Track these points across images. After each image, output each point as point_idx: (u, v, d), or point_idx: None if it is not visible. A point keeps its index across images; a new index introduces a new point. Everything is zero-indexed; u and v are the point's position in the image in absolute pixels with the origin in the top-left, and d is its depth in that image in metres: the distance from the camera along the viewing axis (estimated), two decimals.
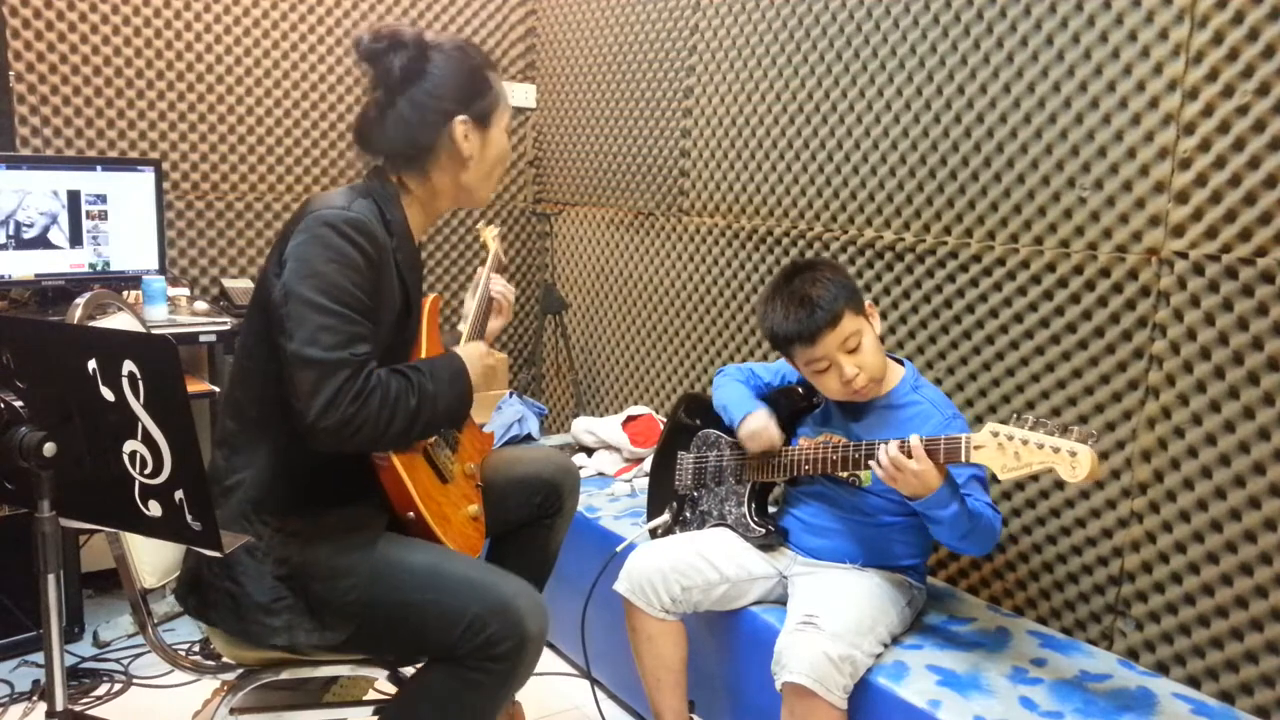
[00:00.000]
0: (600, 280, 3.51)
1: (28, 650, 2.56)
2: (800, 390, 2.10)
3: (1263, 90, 1.74)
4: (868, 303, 1.95)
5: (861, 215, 2.48)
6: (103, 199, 2.82)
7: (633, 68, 3.26)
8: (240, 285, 3.06)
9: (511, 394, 3.37)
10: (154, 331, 1.64)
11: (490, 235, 2.10)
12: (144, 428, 1.27)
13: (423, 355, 1.71)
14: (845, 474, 1.97)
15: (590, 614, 2.19)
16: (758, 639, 1.99)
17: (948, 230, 2.28)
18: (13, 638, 2.55)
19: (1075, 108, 2.00)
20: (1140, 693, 1.80)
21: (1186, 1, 1.82)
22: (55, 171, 2.75)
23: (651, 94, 3.19)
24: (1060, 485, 2.09)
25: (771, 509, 2.18)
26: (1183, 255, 1.86)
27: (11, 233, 2.69)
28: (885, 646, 1.86)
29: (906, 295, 2.37)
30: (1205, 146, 1.81)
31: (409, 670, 1.73)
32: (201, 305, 2.93)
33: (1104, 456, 1.99)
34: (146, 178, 2.88)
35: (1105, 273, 1.98)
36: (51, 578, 1.35)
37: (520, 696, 1.89)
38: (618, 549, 2.19)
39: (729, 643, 2.10)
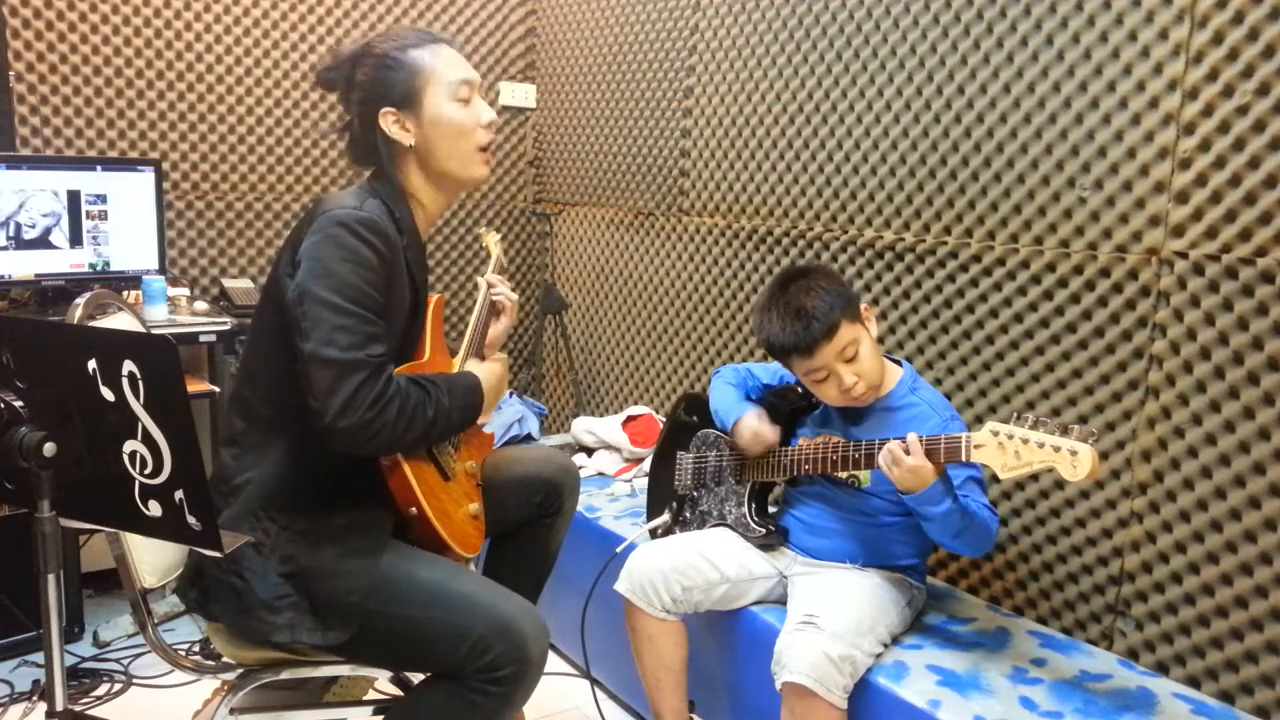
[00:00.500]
0: (600, 280, 3.51)
1: (28, 650, 2.56)
2: (799, 390, 2.10)
3: (1263, 90, 1.74)
4: (864, 306, 1.94)
5: (861, 215, 2.48)
6: (103, 199, 2.82)
7: (633, 68, 3.26)
8: (240, 285, 3.05)
9: (511, 394, 3.37)
10: (154, 331, 1.64)
11: (492, 240, 2.11)
12: (144, 428, 1.27)
13: (428, 354, 1.73)
14: (845, 475, 1.97)
15: (590, 614, 2.19)
16: (758, 639, 1.99)
17: (948, 230, 2.28)
18: (13, 638, 2.55)
19: (1075, 108, 2.00)
20: (1140, 693, 1.80)
21: (1186, 1, 1.82)
22: (55, 171, 2.75)
23: (651, 94, 3.19)
24: (1060, 485, 2.09)
25: (771, 509, 2.18)
26: (1183, 255, 1.86)
27: (12, 233, 2.69)
28: (885, 646, 1.86)
29: (906, 295, 2.37)
30: (1205, 146, 1.81)
31: (411, 671, 1.74)
32: (201, 305, 2.93)
33: (1104, 456, 1.99)
34: (146, 178, 2.88)
35: (1105, 273, 1.98)
36: (51, 578, 1.35)
37: None
38: (618, 549, 2.19)
39: (729, 643, 2.10)
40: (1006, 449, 1.62)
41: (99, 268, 2.84)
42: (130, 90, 3.06)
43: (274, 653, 1.61)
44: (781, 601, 2.04)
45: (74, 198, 2.77)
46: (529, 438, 3.18)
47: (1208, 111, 1.81)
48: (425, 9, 3.55)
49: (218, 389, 2.75)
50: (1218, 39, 1.78)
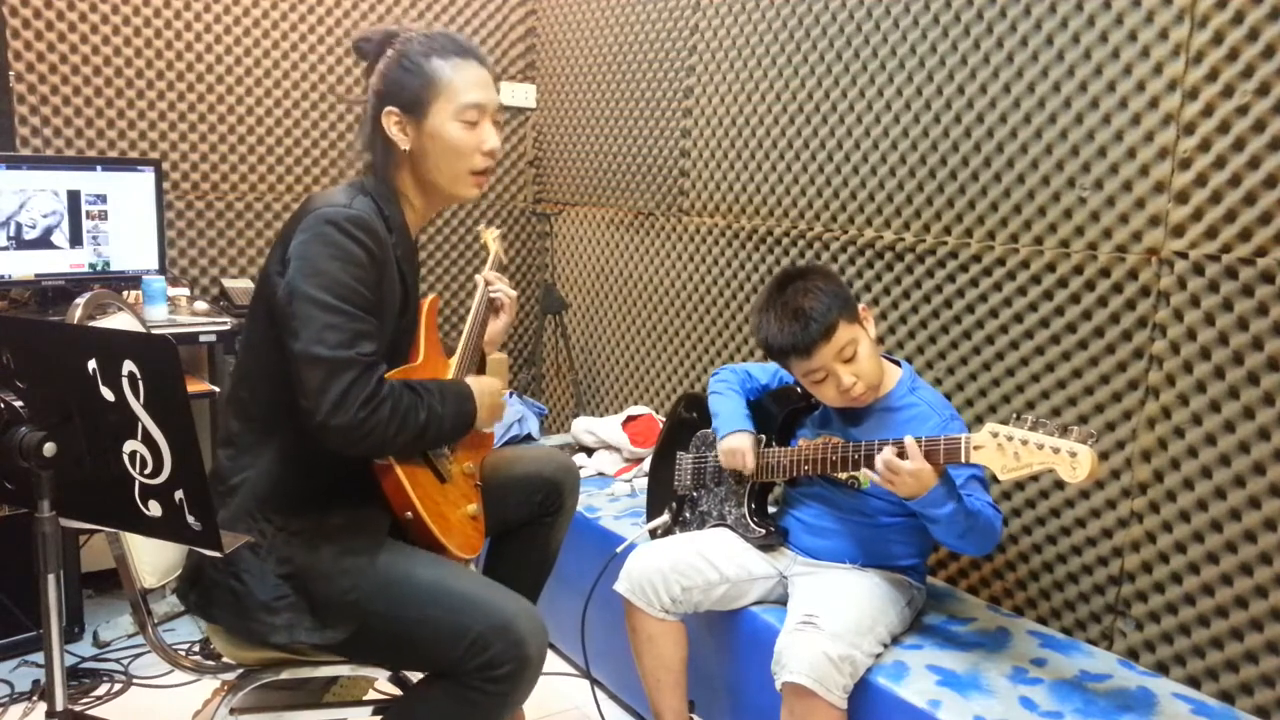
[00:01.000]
0: (600, 280, 3.51)
1: (28, 650, 2.56)
2: (798, 390, 2.10)
3: (1263, 90, 1.74)
4: (862, 306, 1.94)
5: (861, 215, 2.48)
6: (103, 199, 2.82)
7: (633, 68, 3.26)
8: (240, 285, 3.06)
9: (511, 394, 3.38)
10: (154, 331, 1.64)
11: (491, 237, 2.11)
12: (144, 428, 1.27)
13: (421, 355, 1.72)
14: (844, 475, 1.97)
15: (590, 614, 2.19)
16: (758, 639, 1.99)
17: (948, 230, 2.28)
18: (13, 638, 2.54)
19: (1075, 108, 2.00)
20: (1140, 693, 1.80)
21: (1186, 1, 1.82)
22: (55, 171, 2.75)
23: (651, 94, 3.19)
24: (1060, 485, 2.09)
25: (771, 509, 2.18)
26: (1183, 255, 1.86)
27: (13, 233, 2.69)
28: (885, 646, 1.86)
29: (906, 295, 2.37)
30: (1205, 146, 1.81)
31: (410, 671, 1.74)
32: (201, 305, 2.93)
33: (1104, 456, 1.99)
34: (146, 178, 2.88)
35: (1105, 273, 1.98)
36: (51, 578, 1.35)
37: None
38: (618, 549, 2.19)
39: (729, 643, 2.10)
40: (1006, 450, 1.62)
41: (99, 268, 2.84)
42: (130, 90, 3.06)
43: (274, 653, 1.61)
44: (781, 602, 2.04)
45: (74, 198, 2.77)
46: (529, 438, 3.18)
47: (1208, 111, 1.81)
48: (425, 9, 3.55)
49: (218, 389, 2.75)
50: (1218, 39, 1.78)
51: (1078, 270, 2.02)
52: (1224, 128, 1.79)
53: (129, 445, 1.29)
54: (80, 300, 1.70)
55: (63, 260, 2.79)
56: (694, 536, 2.10)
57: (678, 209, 3.12)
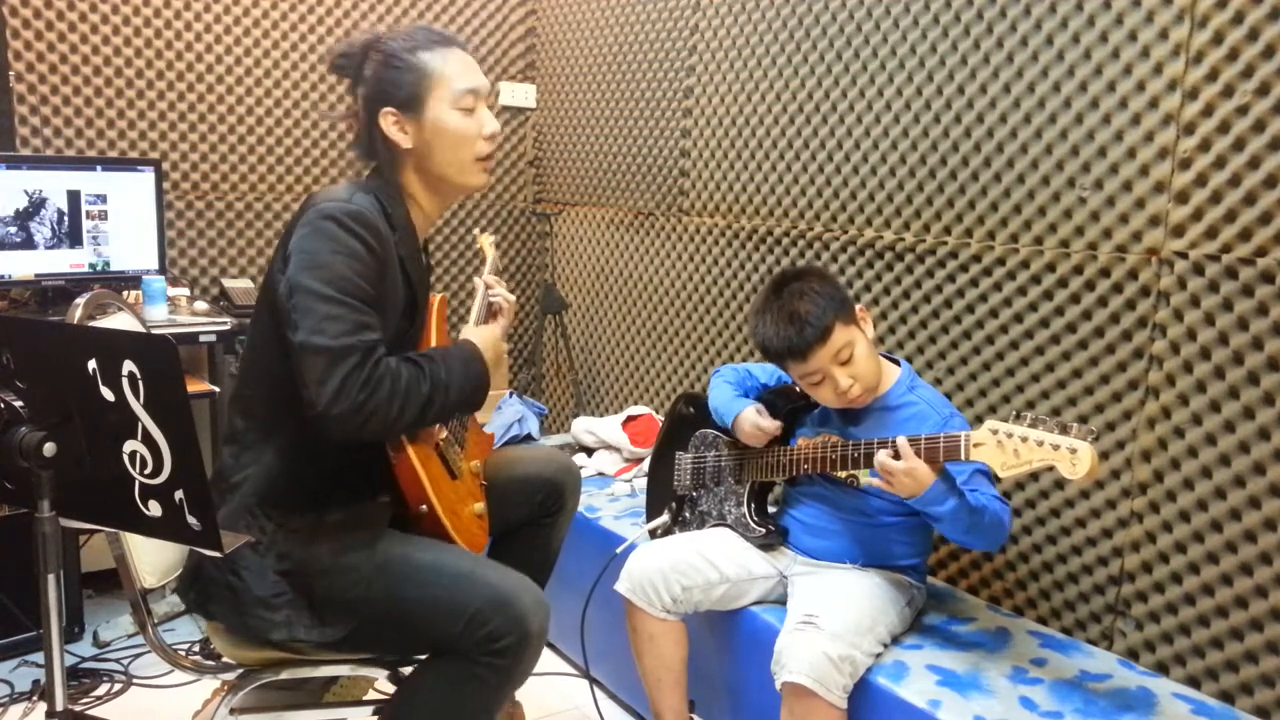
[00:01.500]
0: (600, 280, 3.51)
1: (28, 650, 2.56)
2: (797, 390, 2.10)
3: (1263, 90, 1.74)
4: (860, 307, 1.94)
5: (861, 215, 2.48)
6: (103, 199, 2.82)
7: (633, 68, 3.26)
8: (240, 285, 3.06)
9: (511, 394, 3.38)
10: (154, 331, 1.64)
11: (487, 242, 2.11)
12: (144, 428, 1.27)
13: None
14: (844, 474, 1.97)
15: (590, 614, 2.19)
16: (758, 639, 1.99)
17: (948, 230, 2.28)
18: (13, 638, 2.55)
19: (1075, 108, 2.00)
20: (1140, 693, 1.80)
21: (1186, 1, 1.82)
22: (55, 171, 2.75)
23: (651, 94, 3.19)
24: (1060, 485, 2.09)
25: (771, 509, 2.18)
26: (1183, 255, 1.86)
27: (13, 233, 2.69)
28: (885, 646, 1.86)
29: (906, 295, 2.37)
30: (1205, 146, 1.81)
31: (411, 654, 1.73)
32: (201, 305, 2.93)
33: (1104, 456, 1.99)
34: (146, 178, 2.88)
35: (1105, 273, 1.98)
36: (51, 578, 1.35)
37: (520, 696, 1.90)
38: (618, 550, 2.19)
39: (729, 643, 2.10)
40: (1006, 447, 1.62)
41: (99, 268, 2.85)
42: (130, 90, 3.06)
43: (274, 652, 1.61)
44: (781, 601, 2.04)
45: (74, 198, 2.77)
46: (529, 438, 3.18)
47: (1208, 111, 1.81)
48: (425, 9, 3.55)
49: (218, 389, 2.75)
50: (1218, 39, 1.78)
51: (1078, 270, 2.02)
52: (1224, 128, 1.79)
53: (129, 445, 1.29)
54: (80, 300, 1.70)
55: (63, 260, 2.79)
56: (694, 536, 2.10)
57: (678, 209, 3.12)
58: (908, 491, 1.73)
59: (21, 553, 1.87)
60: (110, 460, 1.30)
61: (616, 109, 3.35)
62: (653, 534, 2.24)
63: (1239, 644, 1.81)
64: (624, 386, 3.44)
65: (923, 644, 1.91)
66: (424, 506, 1.62)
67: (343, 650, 1.63)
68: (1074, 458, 1.54)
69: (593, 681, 2.34)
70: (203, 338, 2.76)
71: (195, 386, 2.70)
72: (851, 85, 2.48)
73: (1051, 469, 1.58)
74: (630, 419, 2.98)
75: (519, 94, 3.78)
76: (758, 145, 2.79)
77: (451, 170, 1.65)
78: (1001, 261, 2.16)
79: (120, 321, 1.82)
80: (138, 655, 2.60)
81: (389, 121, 1.62)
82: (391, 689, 1.81)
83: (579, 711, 2.48)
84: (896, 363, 2.02)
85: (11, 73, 2.88)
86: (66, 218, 2.77)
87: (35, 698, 2.39)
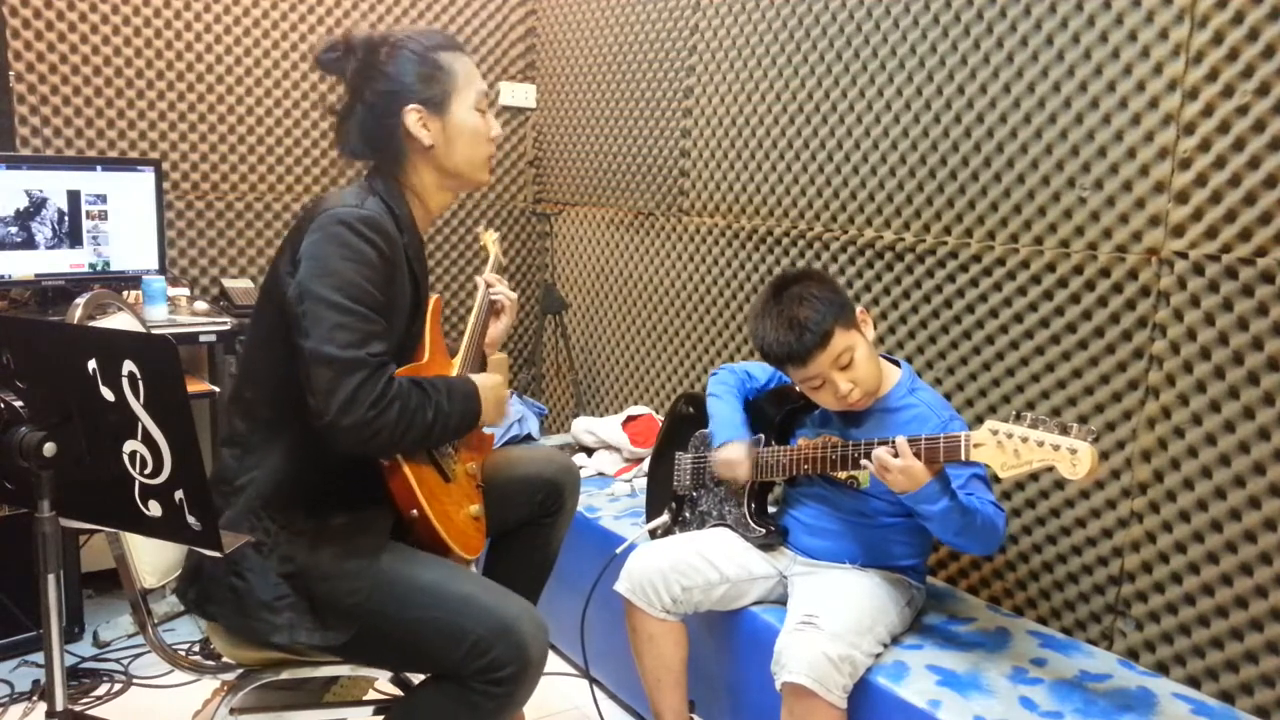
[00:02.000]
0: (600, 280, 3.51)
1: (28, 650, 2.56)
2: (797, 390, 2.10)
3: (1263, 90, 1.74)
4: (860, 310, 1.94)
5: (861, 215, 2.48)
6: (103, 199, 2.82)
7: (633, 68, 3.26)
8: (240, 285, 3.06)
9: (511, 394, 3.38)
10: (154, 331, 1.64)
11: (490, 240, 2.11)
12: (144, 428, 1.27)
13: (427, 355, 1.73)
14: (844, 475, 1.97)
15: (590, 614, 2.19)
16: (758, 639, 1.99)
17: (948, 230, 2.28)
18: (13, 638, 2.55)
19: (1075, 108, 2.00)
20: (1140, 693, 1.80)
21: (1186, 1, 1.82)
22: (55, 171, 2.75)
23: (651, 94, 3.19)
24: (1060, 485, 2.09)
25: (771, 509, 2.18)
26: (1183, 255, 1.86)
27: (14, 233, 2.69)
28: (885, 646, 1.86)
29: (906, 295, 2.37)
30: (1205, 146, 1.81)
31: (410, 672, 1.74)
32: (201, 305, 2.93)
33: (1104, 456, 1.99)
34: (146, 178, 2.88)
35: (1105, 273, 1.98)
36: (51, 578, 1.35)
37: None
38: (618, 550, 2.19)
39: (729, 643, 2.10)
40: (1006, 447, 1.62)
41: (99, 268, 2.85)
42: (130, 90, 3.06)
43: (274, 653, 1.61)
44: (781, 601, 2.04)
45: (74, 198, 2.77)
46: (529, 438, 3.18)
47: (1208, 111, 1.81)
48: (425, 9, 3.55)
49: (218, 389, 2.75)
50: (1218, 39, 1.78)
51: (1078, 270, 2.02)
52: (1224, 128, 1.79)
53: (129, 445, 1.29)
54: (80, 300, 1.70)
55: (63, 260, 2.79)
56: (694, 536, 2.10)
57: (678, 209, 3.12)
58: (901, 487, 1.73)
59: (21, 553, 1.87)
60: (110, 460, 1.30)
61: (616, 109, 3.35)
62: (653, 534, 2.24)
63: (1239, 644, 1.81)
64: (624, 386, 3.44)
65: (923, 644, 1.91)
66: (414, 512, 1.62)
67: (343, 655, 1.62)
68: (1074, 458, 1.54)
69: (593, 681, 2.34)
70: (203, 338, 2.76)
71: (195, 386, 2.70)
72: (851, 85, 2.48)
73: (1052, 469, 1.57)
74: (630, 419, 2.98)
75: (519, 94, 3.78)
76: (758, 145, 2.79)
77: (469, 167, 1.69)
78: (1001, 261, 2.16)
79: (120, 321, 1.82)
80: (138, 655, 2.60)
81: (414, 118, 1.62)
82: (392, 689, 1.82)
83: (579, 711, 2.48)
84: (897, 364, 2.02)
85: (11, 73, 2.88)
86: (66, 218, 2.77)
87: (35, 698, 2.39)
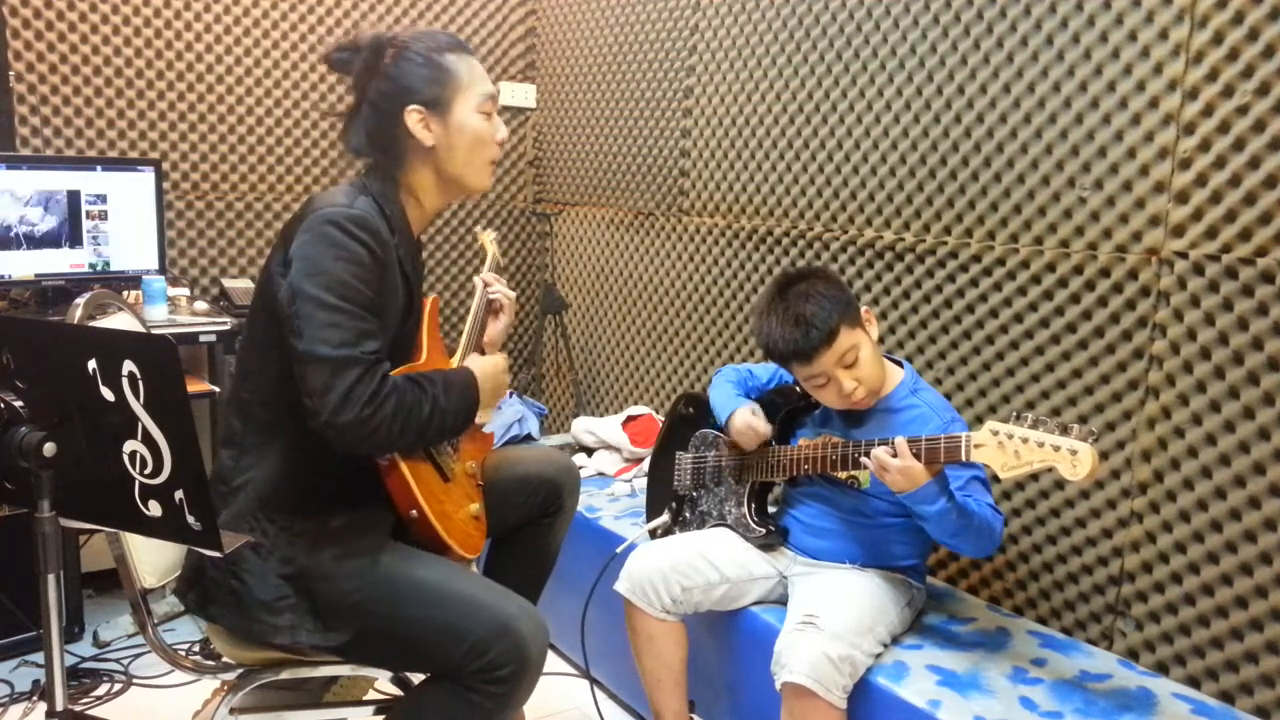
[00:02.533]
0: (600, 280, 3.51)
1: (28, 650, 2.56)
2: (798, 389, 2.10)
3: (1263, 90, 1.74)
4: (864, 308, 1.94)
5: (861, 215, 2.48)
6: (103, 199, 2.82)
7: (633, 68, 3.26)
8: (240, 285, 3.06)
9: (511, 394, 3.37)
10: (154, 331, 1.64)
11: (488, 240, 2.11)
12: (144, 428, 1.27)
13: (424, 355, 1.72)
14: (844, 475, 1.97)
15: (590, 614, 2.19)
16: (758, 639, 1.99)
17: (948, 230, 2.28)
18: (13, 638, 2.54)
19: (1075, 108, 2.00)
20: (1140, 693, 1.80)
21: (1186, 1, 1.82)
22: (55, 171, 2.75)
23: (651, 94, 3.19)
24: (1060, 485, 2.09)
25: (771, 509, 2.18)
26: (1183, 255, 1.86)
27: (16, 235, 2.70)
28: (885, 646, 1.86)
29: (906, 295, 2.37)
30: (1205, 146, 1.81)
31: (410, 672, 1.74)
32: (201, 305, 2.93)
33: (1104, 456, 1.99)
34: (146, 178, 2.88)
35: (1105, 273, 1.98)
36: (51, 578, 1.35)
37: None
38: (618, 550, 2.19)
39: (729, 643, 2.10)
40: (1006, 448, 1.62)
41: (99, 268, 2.84)
42: (130, 90, 3.06)
43: (274, 653, 1.61)
44: (781, 601, 2.04)
45: (74, 198, 2.77)
46: (529, 438, 3.18)
47: (1208, 111, 1.81)
48: (425, 9, 3.55)
49: (218, 389, 2.75)
50: (1218, 39, 1.78)
51: (1078, 270, 2.02)
52: (1224, 128, 1.79)
53: (129, 445, 1.29)
54: (80, 300, 1.70)
55: (63, 260, 2.79)
56: (694, 536, 2.10)
57: (678, 209, 3.12)
58: (899, 487, 1.73)
59: (21, 553, 1.87)
60: (110, 460, 1.30)
61: (616, 109, 3.35)
62: (653, 534, 2.24)
63: (1239, 644, 1.81)
64: (624, 386, 3.44)
65: (923, 644, 1.91)
66: (414, 512, 1.62)
67: (343, 655, 1.62)
68: (1074, 459, 1.54)
69: (593, 681, 2.34)
70: (203, 338, 2.76)
71: (195, 386, 2.70)
72: (851, 85, 2.48)
73: (1052, 470, 1.58)
74: (630, 419, 2.98)
75: (519, 94, 3.78)
76: (758, 145, 2.79)
77: (468, 171, 1.68)
78: (1001, 261, 2.16)
79: (120, 321, 1.82)
80: (138, 655, 2.60)
81: (415, 119, 1.62)
82: (392, 689, 1.82)
83: (579, 711, 2.48)
84: (900, 365, 2.02)
85: (11, 73, 2.88)
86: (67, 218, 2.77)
87: (35, 698, 2.39)
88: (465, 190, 1.72)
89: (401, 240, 1.63)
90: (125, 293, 2.78)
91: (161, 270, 2.92)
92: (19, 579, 2.48)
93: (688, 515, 2.22)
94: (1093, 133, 1.97)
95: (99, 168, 2.82)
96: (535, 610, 1.64)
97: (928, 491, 1.71)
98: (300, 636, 1.55)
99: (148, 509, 1.31)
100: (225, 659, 1.68)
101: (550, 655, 1.67)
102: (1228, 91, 1.78)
